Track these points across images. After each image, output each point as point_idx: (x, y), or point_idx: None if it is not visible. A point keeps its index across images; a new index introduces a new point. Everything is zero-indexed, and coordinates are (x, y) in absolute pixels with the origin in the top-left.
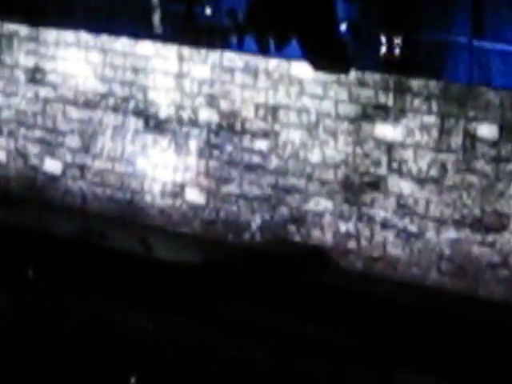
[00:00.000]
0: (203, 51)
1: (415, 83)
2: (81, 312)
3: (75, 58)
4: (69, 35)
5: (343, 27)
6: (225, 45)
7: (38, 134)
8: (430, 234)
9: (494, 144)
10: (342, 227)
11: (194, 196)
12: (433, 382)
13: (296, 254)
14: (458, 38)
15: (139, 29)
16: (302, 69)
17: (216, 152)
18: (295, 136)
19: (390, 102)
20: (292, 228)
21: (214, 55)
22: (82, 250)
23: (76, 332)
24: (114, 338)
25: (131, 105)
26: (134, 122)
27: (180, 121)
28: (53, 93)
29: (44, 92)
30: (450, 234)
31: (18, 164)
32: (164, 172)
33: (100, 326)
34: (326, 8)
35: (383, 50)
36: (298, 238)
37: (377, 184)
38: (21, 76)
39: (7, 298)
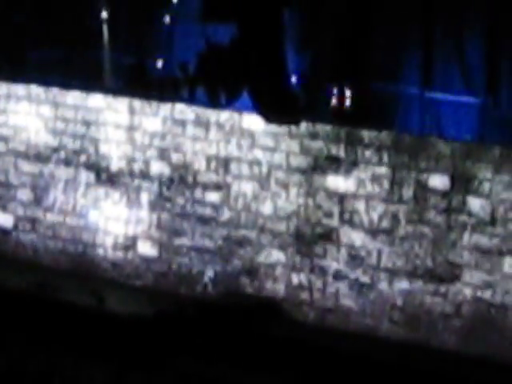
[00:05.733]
0: (154, 104)
1: (366, 134)
2: (28, 364)
3: (26, 112)
4: (20, 89)
5: (294, 79)
6: (176, 97)
7: None
8: (383, 285)
9: (445, 194)
10: (295, 279)
11: (146, 249)
12: None
13: (248, 305)
14: (409, 89)
15: (90, 82)
16: (254, 121)
17: (168, 204)
18: (247, 188)
19: (342, 154)
20: (244, 280)
21: (166, 108)
22: (33, 303)
23: None
24: None
25: (83, 158)
26: (85, 175)
27: (131, 173)
28: (4, 146)
29: None
30: (403, 284)
31: None
32: (116, 225)
33: (48, 378)
34: (277, 61)
35: (334, 101)
36: (250, 290)
37: (329, 235)
38: None
39: None
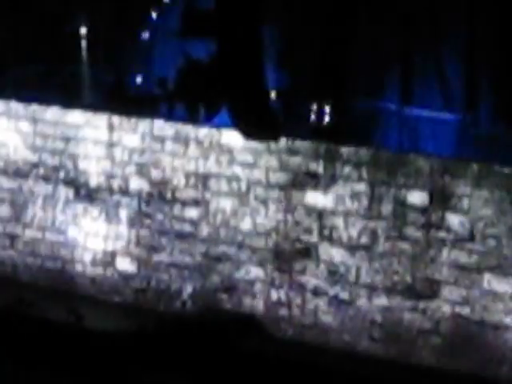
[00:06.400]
0: (133, 120)
1: (345, 150)
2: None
3: (5, 128)
4: None
5: (273, 95)
6: (155, 113)
7: None
8: (362, 301)
9: (424, 211)
10: (274, 295)
11: (125, 265)
12: None
13: (227, 321)
14: (388, 105)
15: (69, 98)
16: (233, 137)
17: (147, 221)
18: (226, 204)
19: (321, 170)
20: (223, 296)
21: (144, 124)
22: (9, 320)
23: None
24: None
25: (62, 174)
26: (64, 191)
27: (110, 190)
28: None
29: None
30: (382, 300)
31: None
32: (95, 241)
33: None
34: (256, 77)
35: (313, 117)
36: (229, 306)
37: (308, 251)
38: None
39: None
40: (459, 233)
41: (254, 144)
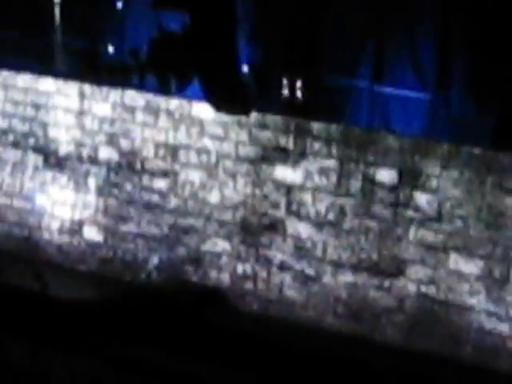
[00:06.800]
0: (105, 89)
1: (316, 126)
2: None
3: None
4: None
5: (245, 69)
6: (126, 83)
7: None
8: (327, 278)
9: (392, 189)
10: (240, 268)
11: (92, 234)
12: None
13: (192, 294)
14: (359, 82)
15: (41, 65)
16: (203, 109)
17: (115, 190)
18: (195, 176)
19: (290, 145)
20: (190, 268)
21: (116, 94)
22: None
23: None
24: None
25: (31, 141)
26: (33, 159)
27: (80, 158)
28: None
29: None
30: (347, 277)
31: None
32: (63, 209)
33: None
34: (228, 50)
35: (284, 92)
36: (195, 279)
37: (275, 226)
38: None
39: None
40: (427, 212)
41: (225, 117)
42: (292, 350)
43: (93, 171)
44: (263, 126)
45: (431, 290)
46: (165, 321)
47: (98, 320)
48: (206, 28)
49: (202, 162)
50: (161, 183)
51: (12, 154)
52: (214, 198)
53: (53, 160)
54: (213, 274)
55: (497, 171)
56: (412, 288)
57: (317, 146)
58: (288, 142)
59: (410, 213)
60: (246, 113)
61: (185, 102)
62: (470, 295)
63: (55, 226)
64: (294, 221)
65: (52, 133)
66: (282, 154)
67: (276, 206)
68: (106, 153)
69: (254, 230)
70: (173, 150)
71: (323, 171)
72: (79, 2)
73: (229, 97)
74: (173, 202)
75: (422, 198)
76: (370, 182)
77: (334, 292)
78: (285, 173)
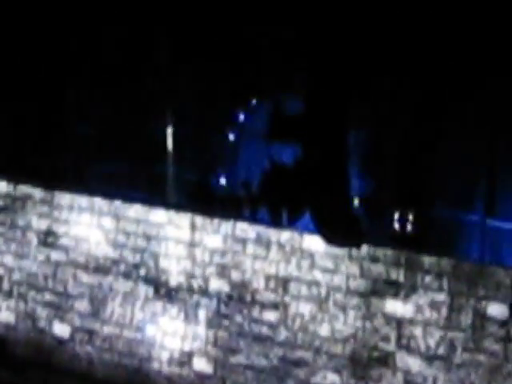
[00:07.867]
0: (216, 221)
1: (427, 260)
2: None
3: (88, 223)
4: (83, 200)
5: (356, 202)
6: (238, 215)
7: (47, 297)
8: None
9: (503, 323)
10: None
11: (202, 365)
12: None
13: None
14: (471, 216)
15: (153, 196)
16: (314, 242)
17: (225, 322)
18: (305, 309)
19: (401, 278)
20: None
21: (227, 225)
22: None
23: None
24: None
25: (142, 272)
26: (144, 289)
27: (190, 289)
28: (64, 256)
29: (55, 255)
30: None
31: (26, 326)
32: (172, 340)
33: None
34: (340, 183)
35: (395, 226)
36: None
37: (385, 360)
38: (33, 239)
39: None
40: None
41: (336, 250)
42: None
43: (203, 302)
44: (374, 259)
45: None
46: None
47: None
48: (320, 161)
49: (312, 295)
50: (271, 315)
51: (123, 285)
52: (324, 330)
53: (163, 291)
54: None
55: None
56: None
57: (427, 279)
58: (399, 276)
59: None
60: (357, 246)
61: (296, 235)
62: None
63: (165, 356)
64: (403, 355)
65: (163, 264)
66: (392, 288)
67: (386, 339)
68: (216, 284)
69: (364, 363)
70: (283, 283)
71: (434, 305)
72: (191, 133)
73: (340, 230)
74: (283, 334)
75: None
76: (480, 316)
77: None
78: (395, 306)
